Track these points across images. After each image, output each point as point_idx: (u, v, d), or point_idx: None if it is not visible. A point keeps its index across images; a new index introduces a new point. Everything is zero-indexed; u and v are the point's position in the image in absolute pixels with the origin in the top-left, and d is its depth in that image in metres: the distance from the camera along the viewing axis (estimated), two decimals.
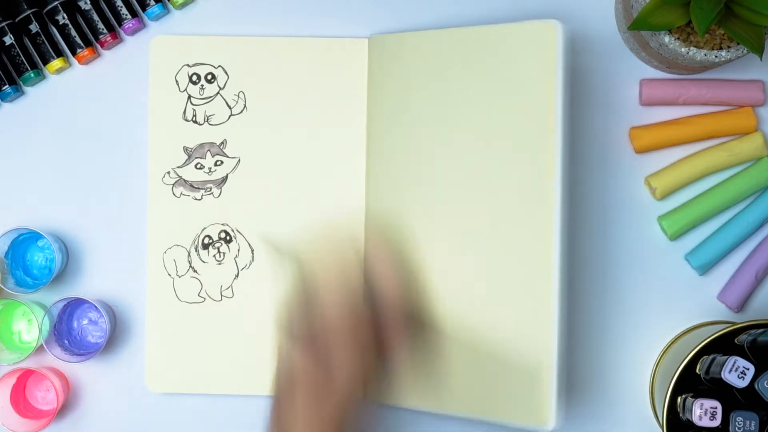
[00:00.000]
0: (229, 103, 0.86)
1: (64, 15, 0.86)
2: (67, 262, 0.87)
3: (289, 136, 0.86)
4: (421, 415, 0.86)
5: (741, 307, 0.85)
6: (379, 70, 0.84)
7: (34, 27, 0.87)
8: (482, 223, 0.78)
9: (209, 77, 0.87)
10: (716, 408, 0.73)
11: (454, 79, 0.79)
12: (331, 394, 0.68)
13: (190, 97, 0.86)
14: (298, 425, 0.67)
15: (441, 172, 0.80)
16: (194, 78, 0.87)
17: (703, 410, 0.73)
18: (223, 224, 0.86)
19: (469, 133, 0.79)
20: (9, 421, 0.84)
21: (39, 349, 0.84)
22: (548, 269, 0.75)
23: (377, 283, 0.75)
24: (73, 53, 0.87)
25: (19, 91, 0.87)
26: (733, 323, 0.77)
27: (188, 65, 0.87)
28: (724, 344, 0.76)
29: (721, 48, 0.78)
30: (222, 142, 0.86)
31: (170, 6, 0.88)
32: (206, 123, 0.86)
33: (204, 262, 0.86)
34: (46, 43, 0.87)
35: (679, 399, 0.76)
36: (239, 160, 0.86)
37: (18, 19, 0.87)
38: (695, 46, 0.78)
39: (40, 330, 0.83)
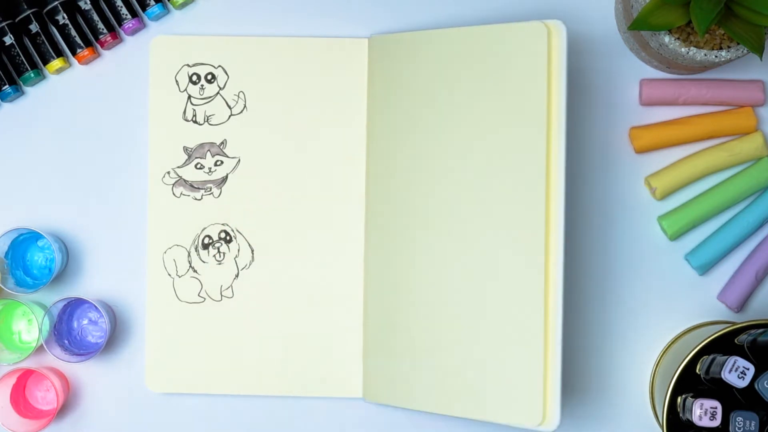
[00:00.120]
0: (229, 103, 0.86)
1: (64, 15, 0.86)
2: (67, 262, 0.87)
3: (289, 136, 0.86)
4: (421, 415, 0.86)
5: (741, 307, 0.85)
6: (379, 70, 0.84)
7: (34, 27, 0.87)
8: (482, 222, 0.78)
9: (209, 77, 0.87)
10: (716, 408, 0.73)
11: (454, 78, 0.79)
12: None
13: (190, 97, 0.86)
14: None
15: (442, 171, 0.80)
16: (194, 78, 0.87)
17: (703, 410, 0.73)
18: (223, 224, 0.86)
19: (470, 133, 0.79)
20: (9, 421, 0.84)
21: (39, 349, 0.84)
22: (549, 268, 0.75)
23: None
24: (73, 53, 0.87)
25: (19, 91, 0.87)
26: (733, 323, 0.77)
27: (188, 65, 0.87)
28: (724, 344, 0.76)
29: (721, 48, 0.78)
30: (222, 142, 0.86)
31: (170, 6, 0.88)
32: (206, 123, 0.86)
33: (204, 262, 0.86)
34: (46, 43, 0.87)
35: (679, 399, 0.76)
36: (239, 160, 0.86)
37: (18, 19, 0.87)
38: (695, 46, 0.78)
39: (40, 330, 0.83)
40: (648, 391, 0.85)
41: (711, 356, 0.75)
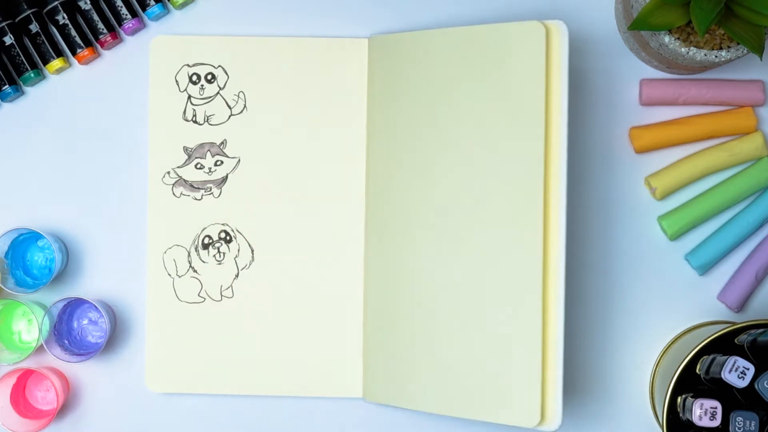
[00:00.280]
0: (229, 103, 0.86)
1: (64, 15, 0.86)
2: (67, 262, 0.87)
3: (289, 136, 0.86)
4: (421, 415, 0.86)
5: (741, 307, 0.85)
6: (379, 70, 0.84)
7: (34, 27, 0.87)
8: (483, 222, 0.78)
9: (209, 77, 0.87)
10: (716, 408, 0.73)
11: (454, 78, 0.79)
12: None
13: (190, 97, 0.86)
14: None
15: (442, 171, 0.80)
16: (194, 78, 0.87)
17: (703, 410, 0.73)
18: (223, 224, 0.86)
19: (470, 133, 0.79)
20: (9, 421, 0.84)
21: (39, 349, 0.84)
22: (549, 268, 0.75)
23: None
24: (73, 53, 0.87)
25: (19, 91, 0.87)
26: (733, 323, 0.77)
27: (188, 65, 0.87)
28: (724, 344, 0.76)
29: (721, 48, 0.78)
30: (222, 142, 0.86)
31: (170, 6, 0.88)
32: (206, 123, 0.86)
33: (204, 262, 0.86)
34: (46, 43, 0.87)
35: (679, 399, 0.76)
36: (239, 160, 0.86)
37: (18, 19, 0.86)
38: (695, 46, 0.78)
39: (40, 330, 0.83)
40: (648, 391, 0.85)
41: (711, 356, 0.75)
